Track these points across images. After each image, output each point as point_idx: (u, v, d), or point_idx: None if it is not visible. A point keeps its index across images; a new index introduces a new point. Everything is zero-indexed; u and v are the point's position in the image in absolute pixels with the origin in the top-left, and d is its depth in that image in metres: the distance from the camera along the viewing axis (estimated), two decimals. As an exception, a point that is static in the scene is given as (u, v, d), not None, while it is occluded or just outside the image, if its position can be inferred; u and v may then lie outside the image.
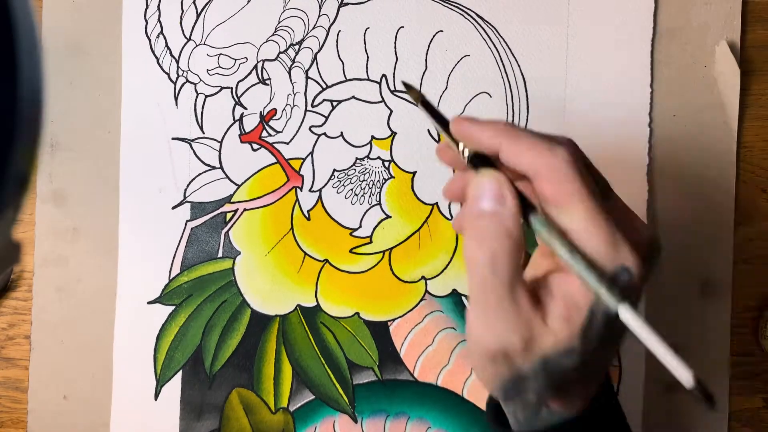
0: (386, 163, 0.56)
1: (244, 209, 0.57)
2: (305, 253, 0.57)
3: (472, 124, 0.36)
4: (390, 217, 0.57)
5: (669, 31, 0.56)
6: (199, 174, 0.57)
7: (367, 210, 0.57)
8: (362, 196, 0.57)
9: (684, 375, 0.32)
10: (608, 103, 0.56)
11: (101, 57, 0.58)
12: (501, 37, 0.56)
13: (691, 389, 0.31)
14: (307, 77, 0.57)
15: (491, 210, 0.34)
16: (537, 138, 0.35)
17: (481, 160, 0.35)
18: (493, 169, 0.35)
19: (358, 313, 0.57)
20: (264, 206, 0.57)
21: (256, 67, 0.57)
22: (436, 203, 0.56)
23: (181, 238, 0.57)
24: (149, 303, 0.57)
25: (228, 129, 0.57)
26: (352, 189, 0.57)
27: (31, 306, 0.58)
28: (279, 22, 0.57)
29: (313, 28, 0.57)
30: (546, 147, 0.34)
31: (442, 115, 0.38)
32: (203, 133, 0.57)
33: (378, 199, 0.56)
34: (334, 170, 0.57)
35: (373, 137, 0.57)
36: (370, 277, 0.57)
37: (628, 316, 0.33)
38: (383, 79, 0.57)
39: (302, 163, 0.57)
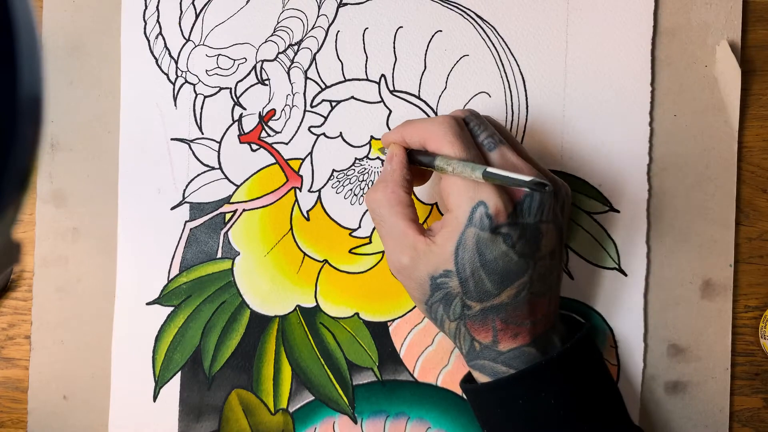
0: (386, 164, 0.56)
1: (243, 210, 0.57)
2: (304, 254, 0.57)
3: (385, 134, 0.51)
4: (390, 217, 0.56)
5: (669, 31, 0.56)
6: (198, 174, 0.57)
7: (367, 210, 0.57)
8: (361, 196, 0.57)
9: (526, 180, 0.41)
10: (608, 103, 0.56)
11: (101, 57, 0.58)
12: (500, 37, 0.56)
13: (528, 185, 0.41)
14: (306, 77, 0.57)
15: (386, 163, 0.48)
16: (422, 119, 0.48)
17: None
18: (393, 144, 0.49)
19: (357, 314, 0.57)
20: (263, 207, 0.57)
21: (255, 67, 0.57)
22: (435, 204, 0.56)
23: (180, 238, 0.57)
24: (148, 304, 0.57)
25: (227, 129, 0.57)
26: (351, 189, 0.57)
27: (31, 306, 0.58)
28: (278, 23, 0.57)
29: (312, 28, 0.57)
30: (427, 122, 0.47)
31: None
32: (202, 133, 0.57)
33: (377, 200, 0.56)
34: (334, 170, 0.57)
35: (372, 137, 0.57)
36: (370, 278, 0.57)
37: (490, 169, 0.42)
38: (382, 79, 0.57)
39: (301, 164, 0.57)
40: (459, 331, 0.47)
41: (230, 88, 0.57)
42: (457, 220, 0.44)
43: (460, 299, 0.45)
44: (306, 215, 0.57)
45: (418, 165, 0.48)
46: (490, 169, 0.42)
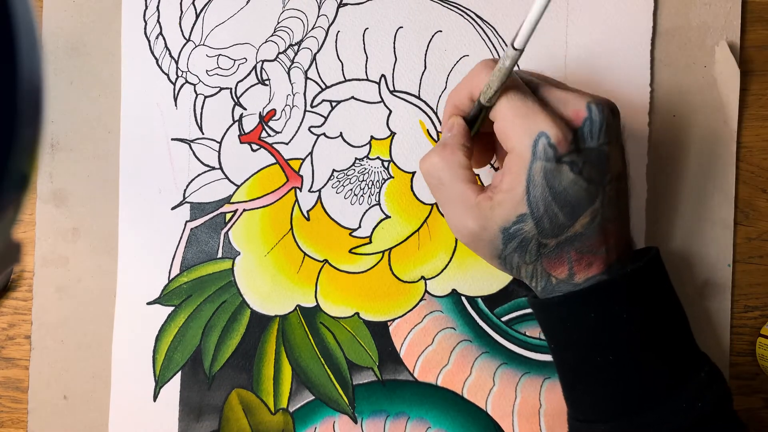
0: (385, 163, 0.57)
1: (244, 210, 0.57)
2: (305, 254, 0.57)
3: (444, 111, 0.50)
4: (389, 217, 0.57)
5: (669, 31, 0.56)
6: (199, 174, 0.57)
7: (367, 210, 0.57)
8: (362, 196, 0.57)
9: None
10: (608, 103, 0.56)
11: (101, 57, 0.58)
12: (500, 37, 0.56)
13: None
14: (307, 78, 0.57)
15: (444, 132, 0.47)
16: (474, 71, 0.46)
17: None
18: (453, 116, 0.48)
19: (357, 313, 0.57)
20: (263, 206, 0.57)
21: (255, 67, 0.57)
22: (435, 204, 0.56)
23: (181, 238, 0.57)
24: (149, 303, 0.57)
25: (227, 129, 0.57)
26: (351, 189, 0.57)
27: (31, 306, 0.58)
28: (278, 23, 0.57)
29: (312, 28, 0.57)
30: (467, 74, 0.46)
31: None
32: (203, 133, 0.57)
33: (377, 199, 0.57)
34: (334, 170, 0.57)
35: (372, 137, 0.57)
36: (370, 277, 0.57)
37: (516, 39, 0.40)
38: (382, 79, 0.57)
39: (301, 164, 0.57)
40: (536, 271, 0.46)
41: (230, 88, 0.57)
42: (520, 158, 0.42)
43: (535, 240, 0.44)
44: (306, 215, 0.57)
45: (477, 129, 0.48)
46: (516, 39, 0.40)
